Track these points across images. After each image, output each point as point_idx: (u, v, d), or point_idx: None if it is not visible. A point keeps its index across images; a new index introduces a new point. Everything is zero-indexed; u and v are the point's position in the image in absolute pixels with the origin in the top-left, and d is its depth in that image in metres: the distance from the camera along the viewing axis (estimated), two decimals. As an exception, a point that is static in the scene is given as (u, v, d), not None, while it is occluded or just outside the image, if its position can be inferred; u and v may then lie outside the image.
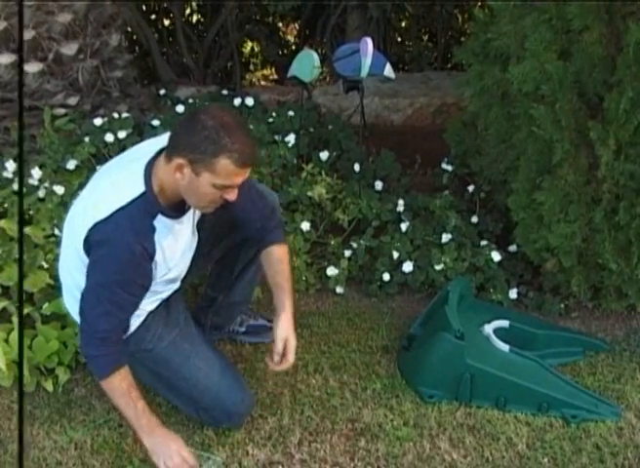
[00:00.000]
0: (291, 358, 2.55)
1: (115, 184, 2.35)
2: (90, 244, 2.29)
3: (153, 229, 2.33)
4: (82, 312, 2.36)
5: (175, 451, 2.35)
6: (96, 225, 2.26)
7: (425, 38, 8.68)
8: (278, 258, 2.66)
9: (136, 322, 2.51)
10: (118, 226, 2.26)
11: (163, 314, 2.61)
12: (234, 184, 2.28)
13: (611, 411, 2.72)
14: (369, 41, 3.92)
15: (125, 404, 2.36)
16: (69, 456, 2.54)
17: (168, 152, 2.28)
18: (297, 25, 8.81)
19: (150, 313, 2.56)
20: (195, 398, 2.60)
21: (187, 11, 8.20)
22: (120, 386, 2.35)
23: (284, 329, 2.56)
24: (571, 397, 2.73)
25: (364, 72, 3.95)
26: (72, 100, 4.14)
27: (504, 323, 3.06)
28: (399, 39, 8.61)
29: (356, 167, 3.89)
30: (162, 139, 2.37)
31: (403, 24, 8.66)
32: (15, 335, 2.86)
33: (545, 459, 2.50)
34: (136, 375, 2.43)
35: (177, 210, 2.40)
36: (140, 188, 2.30)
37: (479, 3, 6.70)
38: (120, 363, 2.36)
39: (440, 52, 8.20)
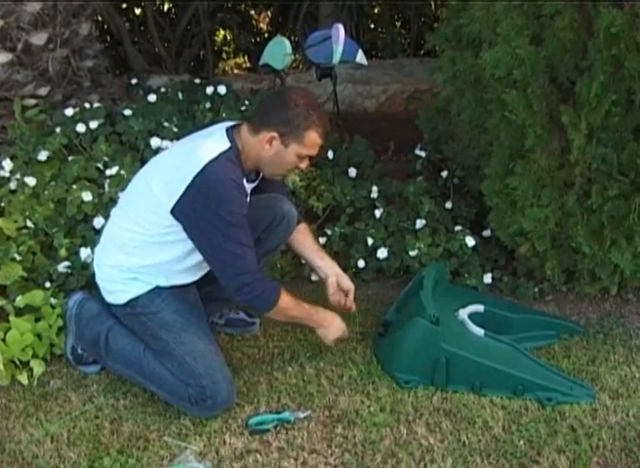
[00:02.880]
0: (353, 306, 3.01)
1: (199, 146, 2.58)
2: (191, 199, 2.49)
3: (242, 176, 2.61)
4: (229, 264, 2.55)
5: (337, 326, 2.88)
6: (194, 180, 2.47)
7: (398, 24, 8.68)
8: (309, 232, 3.08)
9: (147, 287, 2.68)
10: (215, 174, 2.50)
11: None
12: (314, 154, 2.70)
13: (585, 393, 2.74)
14: (340, 28, 3.91)
15: (298, 312, 2.77)
16: (46, 449, 2.52)
17: (255, 126, 2.62)
18: (269, 13, 8.78)
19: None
20: (189, 364, 2.60)
21: (158, -1, 8.15)
22: (289, 300, 2.71)
23: (329, 266, 2.99)
24: (545, 380, 2.75)
25: (336, 59, 3.94)
26: (43, 91, 4.09)
27: (479, 307, 3.07)
28: (372, 26, 8.61)
29: (330, 154, 3.88)
30: (214, 127, 2.72)
31: (375, 11, 8.65)
32: (12, 334, 2.85)
33: (521, 442, 2.52)
34: (129, 338, 2.74)
35: (248, 178, 2.69)
36: (226, 144, 2.58)
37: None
38: (278, 284, 2.69)
39: (413, 38, 8.22)
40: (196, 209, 2.50)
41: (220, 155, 2.53)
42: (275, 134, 2.58)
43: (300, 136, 2.60)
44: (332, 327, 2.87)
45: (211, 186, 2.49)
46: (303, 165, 2.73)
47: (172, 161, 2.65)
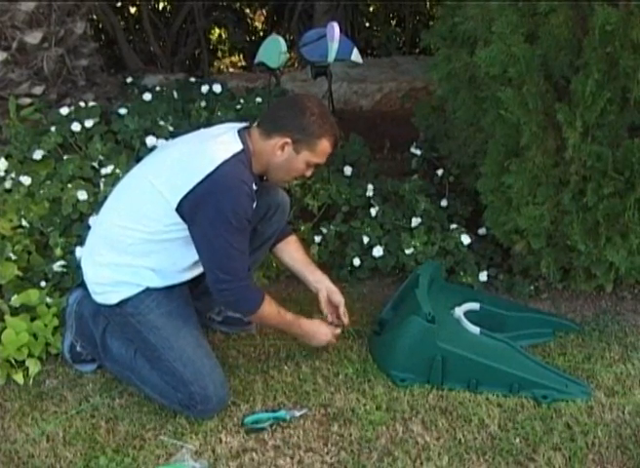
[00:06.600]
0: (345, 319, 2.97)
1: (211, 146, 2.57)
2: (198, 196, 2.47)
3: (252, 179, 2.59)
4: (219, 265, 2.55)
5: (321, 333, 2.88)
6: (205, 178, 2.46)
7: (393, 23, 8.66)
8: (300, 245, 3.07)
9: (138, 288, 2.64)
10: (228, 174, 2.49)
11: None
12: (322, 163, 2.72)
13: (581, 391, 2.75)
14: (335, 26, 3.91)
15: (277, 322, 2.78)
16: (41, 448, 2.52)
17: (267, 130, 2.61)
18: (264, 11, 8.77)
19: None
20: (177, 369, 2.59)
21: (153, -2, 8.13)
22: (271, 308, 2.69)
23: (320, 280, 2.97)
24: (541, 377, 2.75)
25: (331, 57, 3.94)
26: (38, 90, 4.09)
27: (475, 305, 3.07)
28: (367, 24, 8.59)
29: (325, 152, 3.88)
30: (222, 128, 2.71)
31: (371, 9, 8.64)
32: (7, 334, 2.84)
33: (517, 440, 2.52)
34: (122, 341, 2.76)
35: (255, 182, 2.65)
36: (239, 146, 2.56)
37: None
38: (263, 293, 2.67)
39: (408, 36, 8.20)
40: (202, 206, 2.47)
41: (232, 156, 2.51)
42: (289, 140, 2.59)
43: (312, 143, 2.61)
44: (315, 337, 2.89)
45: (222, 187, 2.47)
46: (309, 173, 2.74)
47: (180, 159, 2.59)
